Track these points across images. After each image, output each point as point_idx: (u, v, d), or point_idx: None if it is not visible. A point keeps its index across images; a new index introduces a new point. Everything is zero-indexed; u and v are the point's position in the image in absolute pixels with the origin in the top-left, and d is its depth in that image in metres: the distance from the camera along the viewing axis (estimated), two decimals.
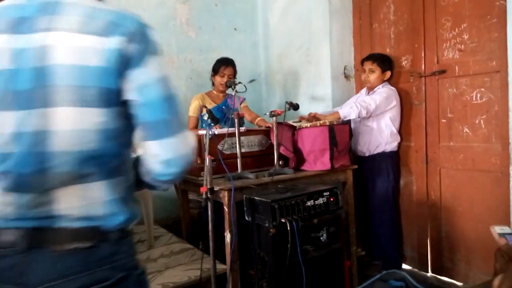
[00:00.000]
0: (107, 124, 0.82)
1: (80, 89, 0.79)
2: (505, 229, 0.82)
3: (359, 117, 2.63)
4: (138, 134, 0.90)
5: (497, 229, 0.82)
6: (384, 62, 2.75)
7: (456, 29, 2.46)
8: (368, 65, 2.76)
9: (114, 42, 0.81)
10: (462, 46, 2.43)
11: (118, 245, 0.88)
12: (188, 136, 0.92)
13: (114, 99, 0.83)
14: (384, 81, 2.77)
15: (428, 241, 2.71)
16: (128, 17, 0.85)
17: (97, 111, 0.81)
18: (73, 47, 0.80)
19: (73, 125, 0.80)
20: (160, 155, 0.88)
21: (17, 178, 0.81)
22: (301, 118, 2.67)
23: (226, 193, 2.04)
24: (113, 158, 0.86)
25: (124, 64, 0.82)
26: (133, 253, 0.92)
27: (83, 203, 0.83)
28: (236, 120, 2.24)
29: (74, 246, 0.82)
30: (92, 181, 0.84)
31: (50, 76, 0.79)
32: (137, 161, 0.98)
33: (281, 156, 2.39)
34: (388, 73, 2.77)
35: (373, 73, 2.74)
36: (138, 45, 0.83)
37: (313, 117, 2.61)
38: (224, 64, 2.94)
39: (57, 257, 0.82)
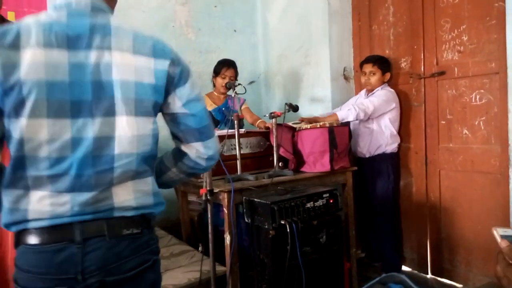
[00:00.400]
0: (156, 130, 1.00)
1: (138, 102, 0.94)
2: (508, 231, 0.81)
3: (357, 119, 2.63)
4: (181, 137, 1.09)
5: (499, 231, 0.81)
6: (384, 63, 2.76)
7: (455, 31, 2.46)
8: (368, 68, 2.75)
9: (161, 64, 0.97)
10: (461, 47, 2.44)
11: (152, 231, 1.04)
12: (216, 134, 1.14)
13: (158, 111, 1.01)
14: (384, 82, 2.77)
15: (428, 242, 2.71)
16: (164, 43, 1.02)
17: (151, 120, 0.98)
18: (129, 65, 0.93)
19: (133, 131, 0.94)
20: (204, 153, 1.09)
21: (75, 179, 0.90)
22: (302, 120, 2.68)
23: (225, 195, 2.04)
24: (155, 158, 1.04)
25: (169, 82, 0.99)
26: (158, 240, 1.08)
27: (138, 195, 0.98)
28: (235, 121, 2.24)
29: (128, 232, 0.95)
30: (146, 177, 1.00)
31: (110, 89, 0.92)
32: (160, 164, 1.15)
33: (280, 158, 2.39)
34: (388, 75, 2.77)
35: (374, 76, 2.74)
36: (178, 68, 1.01)
37: (313, 119, 2.61)
38: (226, 66, 2.94)
39: (112, 244, 0.93)
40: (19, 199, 0.91)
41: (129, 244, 0.96)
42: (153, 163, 1.03)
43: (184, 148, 1.10)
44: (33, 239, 0.90)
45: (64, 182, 0.90)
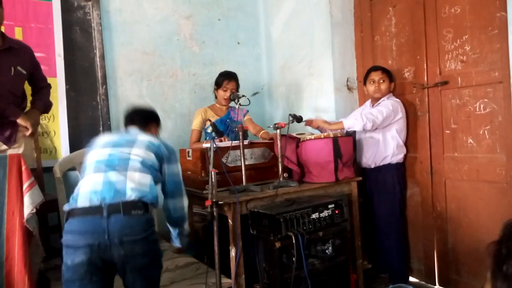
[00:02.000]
0: (155, 182, 1.78)
1: (141, 168, 1.75)
2: None
3: (363, 129, 2.62)
4: (164, 193, 1.93)
5: None
6: (389, 72, 2.77)
7: (458, 41, 2.47)
8: (377, 75, 2.75)
9: (159, 155, 1.84)
10: (464, 57, 2.45)
11: (149, 213, 1.66)
12: (185, 197, 1.97)
13: (157, 173, 1.84)
14: (389, 92, 2.77)
15: (435, 253, 2.68)
16: (166, 145, 1.91)
17: (150, 176, 1.75)
18: (144, 155, 1.78)
19: (137, 179, 1.69)
20: (173, 206, 1.92)
21: (102, 199, 1.60)
22: (308, 123, 2.71)
23: (230, 207, 2.04)
24: (156, 196, 1.74)
25: (161, 163, 1.85)
26: (153, 217, 1.71)
27: (139, 186, 1.66)
28: (240, 133, 2.25)
29: (135, 212, 1.58)
30: (147, 173, 1.73)
31: (127, 161, 1.74)
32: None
33: (285, 169, 2.39)
34: (393, 84, 2.79)
35: (384, 82, 2.74)
36: (168, 156, 1.87)
37: (319, 124, 2.63)
38: (227, 79, 2.95)
39: (127, 219, 1.56)
40: (74, 197, 1.66)
41: (136, 220, 1.58)
42: (155, 191, 1.74)
43: (165, 201, 1.91)
44: (77, 213, 1.57)
45: (96, 196, 1.61)
